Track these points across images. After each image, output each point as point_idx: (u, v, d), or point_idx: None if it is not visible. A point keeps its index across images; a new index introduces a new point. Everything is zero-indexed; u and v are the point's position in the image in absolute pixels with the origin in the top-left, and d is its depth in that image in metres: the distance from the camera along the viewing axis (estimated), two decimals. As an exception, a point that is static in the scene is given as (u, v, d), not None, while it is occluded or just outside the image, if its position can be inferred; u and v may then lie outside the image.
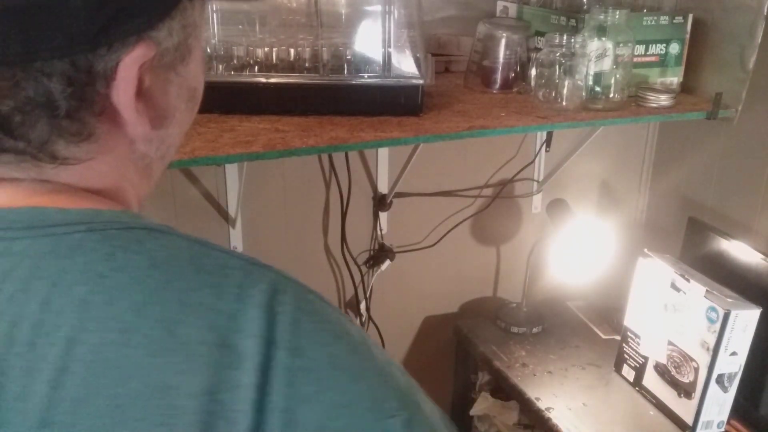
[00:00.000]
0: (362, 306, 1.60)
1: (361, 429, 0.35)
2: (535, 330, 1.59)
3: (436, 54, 1.38)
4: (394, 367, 0.40)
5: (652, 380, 1.36)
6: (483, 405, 1.56)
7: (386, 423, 0.35)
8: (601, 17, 1.17)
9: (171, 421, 0.31)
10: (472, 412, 1.58)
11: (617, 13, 1.17)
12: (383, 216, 1.55)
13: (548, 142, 1.64)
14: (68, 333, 0.32)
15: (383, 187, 1.53)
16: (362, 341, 0.39)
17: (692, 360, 1.25)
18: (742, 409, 1.30)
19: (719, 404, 1.25)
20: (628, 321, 1.42)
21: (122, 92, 0.38)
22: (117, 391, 0.31)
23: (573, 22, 1.23)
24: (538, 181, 1.71)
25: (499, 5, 1.42)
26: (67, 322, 0.32)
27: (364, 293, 1.60)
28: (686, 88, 1.35)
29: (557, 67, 1.16)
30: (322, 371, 0.35)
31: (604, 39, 1.17)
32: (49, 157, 0.37)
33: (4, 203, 0.37)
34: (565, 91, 1.16)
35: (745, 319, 1.19)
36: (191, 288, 0.34)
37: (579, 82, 1.17)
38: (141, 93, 0.39)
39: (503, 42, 1.26)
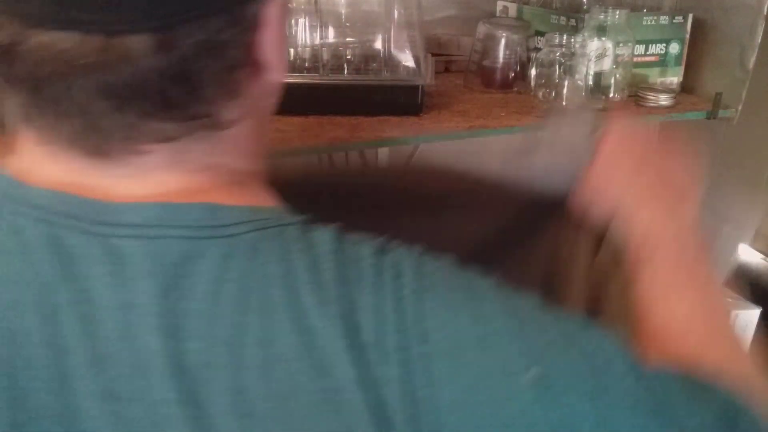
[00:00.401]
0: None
1: (498, 397, 0.34)
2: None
3: (436, 54, 1.38)
4: (525, 316, 0.37)
5: (652, 380, 1.36)
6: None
7: (519, 385, 0.34)
8: (601, 17, 1.17)
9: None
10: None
11: (617, 13, 1.17)
12: (383, 216, 1.55)
13: (548, 142, 1.64)
14: (260, 335, 0.33)
15: (383, 187, 1.53)
16: (484, 298, 0.37)
17: (692, 360, 1.25)
18: (742, 409, 1.30)
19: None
20: (628, 321, 1.41)
21: (269, 34, 0.37)
22: (318, 385, 0.33)
23: (573, 22, 1.23)
24: (538, 181, 1.70)
25: (499, 5, 1.42)
26: (258, 323, 0.33)
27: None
28: (686, 88, 1.35)
29: (557, 67, 1.16)
30: (450, 352, 0.34)
31: (604, 39, 1.17)
32: (210, 121, 0.36)
33: (173, 195, 0.36)
34: (565, 91, 1.16)
35: (745, 319, 1.19)
36: (357, 288, 0.35)
37: (579, 82, 1.17)
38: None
39: (503, 42, 1.26)
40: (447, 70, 1.43)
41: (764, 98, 1.40)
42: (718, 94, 1.27)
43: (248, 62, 0.37)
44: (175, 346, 0.33)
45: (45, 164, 0.36)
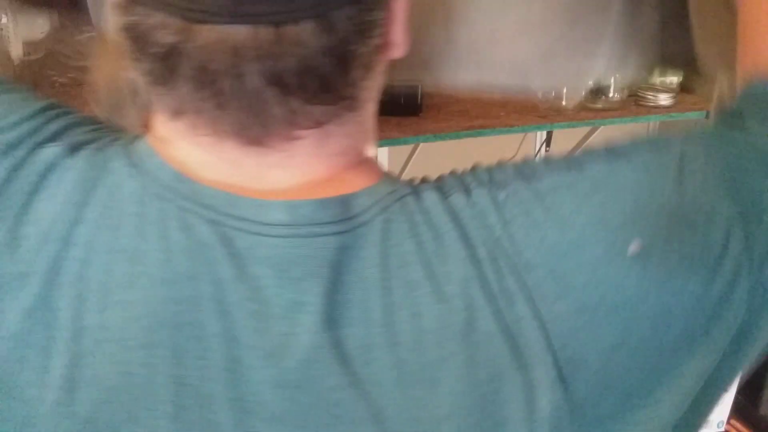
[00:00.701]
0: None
1: (608, 284, 0.35)
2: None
3: (436, 54, 1.38)
4: (600, 197, 0.37)
5: (652, 380, 1.36)
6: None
7: (624, 266, 0.35)
8: (601, 17, 1.17)
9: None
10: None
11: (617, 12, 1.17)
12: (383, 216, 1.55)
13: (548, 141, 1.64)
14: (408, 312, 0.35)
15: (383, 187, 1.53)
16: (558, 202, 0.37)
17: (692, 360, 1.25)
18: (742, 409, 1.30)
19: (719, 404, 1.25)
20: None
21: (401, 13, 0.39)
22: (464, 345, 0.35)
23: (573, 21, 1.23)
24: (538, 181, 1.70)
25: (499, 5, 1.42)
26: (404, 301, 0.36)
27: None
28: (686, 87, 1.35)
29: (557, 66, 1.16)
30: (553, 271, 0.36)
31: (603, 39, 1.17)
32: (355, 102, 0.38)
33: (315, 184, 0.38)
34: (564, 90, 1.16)
35: (745, 318, 1.19)
36: (472, 241, 0.37)
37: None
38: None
39: (503, 42, 1.26)
40: (447, 69, 1.43)
41: (764, 98, 1.40)
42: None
43: (385, 42, 0.39)
44: (336, 335, 0.35)
45: (200, 156, 0.38)
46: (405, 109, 1.08)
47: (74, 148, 0.38)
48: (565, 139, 1.67)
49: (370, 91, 0.39)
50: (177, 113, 0.37)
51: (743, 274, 0.37)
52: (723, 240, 0.37)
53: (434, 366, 0.35)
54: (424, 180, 0.41)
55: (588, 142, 1.63)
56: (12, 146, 0.37)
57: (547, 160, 0.40)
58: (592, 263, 0.36)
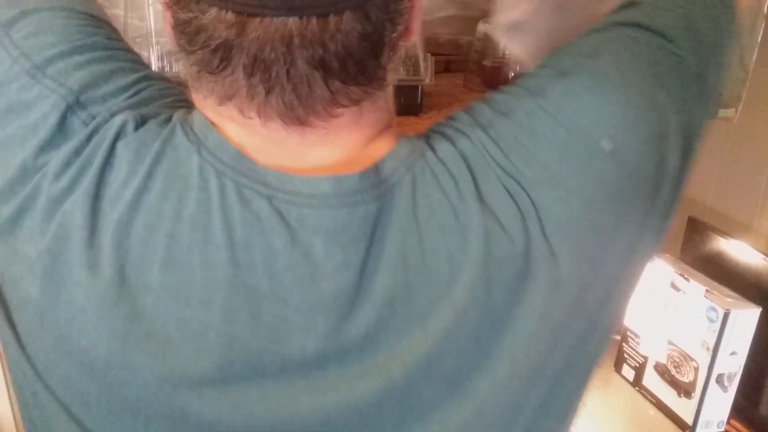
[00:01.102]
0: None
1: (586, 170, 0.43)
2: (535, 330, 1.59)
3: (436, 54, 1.38)
4: (571, 102, 0.45)
5: (651, 380, 1.36)
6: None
7: (600, 155, 0.43)
8: (601, 17, 1.17)
9: None
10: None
11: (617, 12, 1.17)
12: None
13: (548, 141, 1.64)
14: (447, 251, 0.42)
15: (383, 187, 1.53)
16: (531, 113, 0.45)
17: (692, 359, 1.25)
18: (742, 409, 1.30)
19: (719, 404, 1.25)
20: (628, 320, 1.42)
21: (418, 2, 0.44)
22: (506, 252, 0.42)
23: (573, 21, 1.23)
24: (538, 181, 1.70)
25: (499, 5, 1.42)
26: (439, 244, 0.42)
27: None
28: (686, 87, 1.35)
29: (557, 66, 1.16)
30: (546, 177, 0.43)
31: (603, 39, 1.17)
32: (382, 81, 0.43)
33: (353, 157, 0.43)
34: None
35: (745, 318, 1.19)
36: (482, 180, 0.44)
37: (579, 82, 1.17)
38: None
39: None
40: (447, 69, 1.43)
41: (764, 98, 1.40)
42: (718, 94, 1.27)
43: (406, 28, 0.44)
44: (372, 283, 0.41)
45: (247, 138, 0.42)
46: (405, 109, 1.08)
47: (142, 120, 0.42)
48: (565, 139, 1.67)
49: (393, 71, 0.44)
50: (226, 98, 0.41)
51: (671, 134, 0.46)
52: (664, 117, 0.45)
53: (454, 296, 0.41)
54: (430, 132, 0.46)
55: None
56: (93, 117, 0.41)
57: (511, 94, 0.47)
58: (580, 164, 0.43)
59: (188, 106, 0.45)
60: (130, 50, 0.48)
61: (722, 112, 1.29)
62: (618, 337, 1.48)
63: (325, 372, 0.41)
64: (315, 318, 0.41)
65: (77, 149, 0.40)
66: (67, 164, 0.40)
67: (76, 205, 0.39)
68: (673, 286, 1.29)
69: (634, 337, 1.40)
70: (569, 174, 0.43)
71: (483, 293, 0.41)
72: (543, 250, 0.42)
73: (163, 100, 0.45)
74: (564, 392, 0.48)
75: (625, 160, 0.43)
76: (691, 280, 1.26)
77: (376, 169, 0.43)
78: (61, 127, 0.40)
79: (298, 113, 0.41)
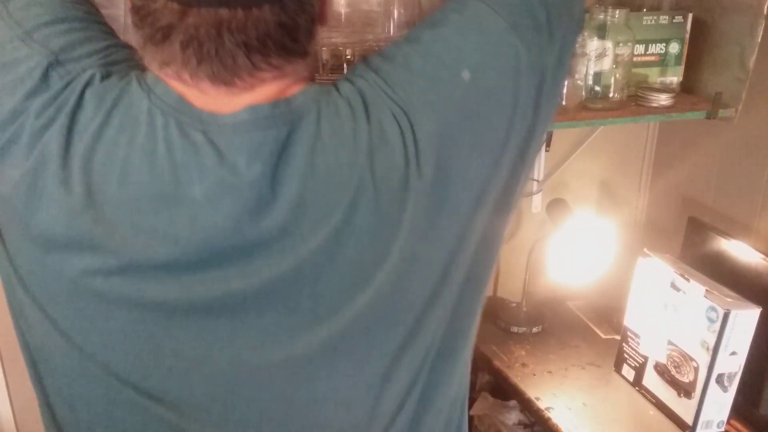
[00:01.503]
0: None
1: (449, 92, 0.55)
2: (535, 330, 1.59)
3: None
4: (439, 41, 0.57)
5: (651, 380, 1.36)
6: (483, 405, 1.56)
7: (461, 83, 0.55)
8: (601, 17, 1.17)
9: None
10: (471, 412, 1.58)
11: (617, 12, 1.17)
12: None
13: (548, 141, 1.64)
14: (341, 161, 0.53)
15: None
16: (407, 55, 0.57)
17: (692, 360, 1.25)
18: (742, 409, 1.30)
19: (719, 404, 1.25)
20: (628, 321, 1.42)
21: None
22: (402, 165, 0.54)
23: (573, 21, 1.23)
24: (538, 181, 1.71)
25: (499, 5, 1.42)
26: (337, 156, 0.53)
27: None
28: (686, 87, 1.35)
29: (557, 66, 1.16)
30: (422, 97, 0.55)
31: (603, 39, 1.17)
32: (304, 54, 0.55)
33: (285, 93, 0.54)
34: (564, 90, 1.16)
35: (745, 318, 1.19)
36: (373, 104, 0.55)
37: (579, 82, 1.17)
38: None
39: (503, 42, 1.26)
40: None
41: (764, 98, 1.40)
42: (718, 94, 1.27)
43: (321, 14, 0.55)
44: (282, 190, 0.51)
45: (184, 89, 0.53)
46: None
47: (107, 75, 0.53)
48: (565, 139, 1.67)
49: (312, 45, 0.56)
50: (165, 64, 0.52)
51: (523, 70, 0.56)
52: (515, 54, 0.55)
53: (352, 198, 0.52)
54: (336, 80, 0.57)
55: (588, 142, 1.64)
56: (68, 72, 0.52)
57: (395, 45, 0.58)
58: (446, 90, 0.54)
59: (145, 68, 0.55)
60: (104, 24, 0.60)
61: (722, 112, 1.29)
62: (618, 338, 1.48)
63: (250, 259, 0.52)
64: (240, 218, 0.51)
65: (55, 96, 0.51)
66: (46, 107, 0.51)
67: (53, 138, 0.50)
68: (673, 286, 1.29)
69: (634, 337, 1.40)
70: (436, 99, 0.54)
71: (374, 197, 0.52)
72: (417, 160, 0.53)
73: (126, 63, 0.56)
74: (451, 288, 0.58)
75: (482, 88, 0.54)
76: (691, 280, 1.26)
77: (287, 102, 0.53)
78: (44, 79, 0.51)
79: (224, 77, 0.52)
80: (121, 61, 0.56)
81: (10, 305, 0.60)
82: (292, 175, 0.51)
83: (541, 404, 1.34)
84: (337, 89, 0.55)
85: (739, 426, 1.30)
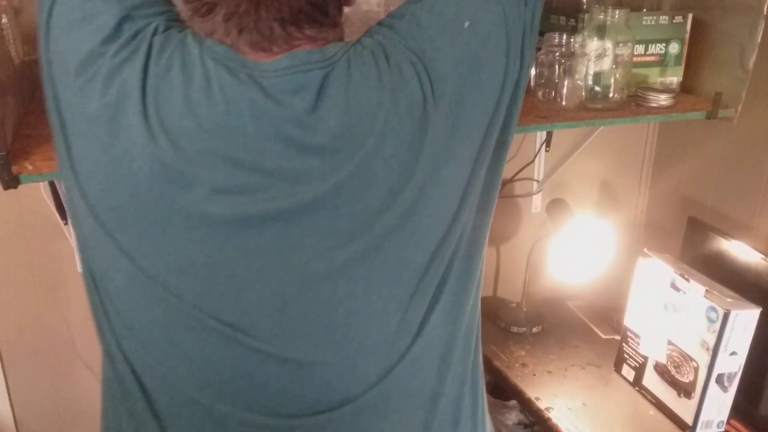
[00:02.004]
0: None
1: (456, 41, 0.65)
2: (534, 330, 1.59)
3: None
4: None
5: (651, 380, 1.36)
6: (483, 405, 1.56)
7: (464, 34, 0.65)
8: (601, 17, 1.17)
9: None
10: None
11: (617, 12, 1.17)
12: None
13: (548, 141, 1.64)
14: (374, 99, 0.62)
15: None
16: (415, 13, 0.66)
17: (692, 360, 1.25)
18: (742, 409, 1.30)
19: (719, 404, 1.25)
20: (628, 321, 1.42)
21: None
22: (414, 98, 0.63)
23: (573, 22, 1.23)
24: (538, 181, 1.71)
25: (499, 5, 1.42)
26: (368, 94, 0.62)
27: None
28: (686, 87, 1.35)
29: (557, 66, 1.16)
30: (433, 46, 0.64)
31: (604, 39, 1.17)
32: (334, 25, 0.64)
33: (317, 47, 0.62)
34: (564, 90, 1.16)
35: (745, 318, 1.19)
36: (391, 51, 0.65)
37: (579, 82, 1.17)
38: None
39: (503, 42, 1.26)
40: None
41: (764, 98, 1.40)
42: (718, 94, 1.27)
43: None
44: (322, 123, 0.60)
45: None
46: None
47: (168, 28, 0.62)
48: (565, 139, 1.67)
49: (341, 18, 0.65)
50: (209, 34, 0.61)
51: (509, 20, 0.65)
52: (501, 10, 0.65)
53: (382, 130, 0.61)
54: (358, 38, 0.65)
55: (588, 142, 1.64)
56: (137, 25, 0.61)
57: (403, 6, 0.66)
58: (452, 37, 0.63)
59: (177, 26, 0.64)
60: None
61: (722, 112, 1.29)
62: (618, 338, 1.48)
63: (296, 182, 0.59)
64: (287, 146, 0.59)
65: (127, 42, 0.60)
66: (121, 49, 0.59)
67: (132, 75, 0.59)
68: (673, 286, 1.30)
69: (634, 337, 1.40)
70: (444, 45, 0.63)
71: (399, 128, 0.60)
72: (432, 95, 0.62)
73: (182, 23, 0.64)
74: (469, 208, 0.67)
75: (480, 34, 0.64)
76: (691, 280, 1.26)
77: (321, 50, 0.61)
78: (117, 29, 0.60)
79: (263, 45, 0.61)
80: (178, 21, 0.65)
81: (77, 238, 0.67)
82: (330, 111, 0.59)
83: (541, 404, 1.34)
84: (360, 43, 0.64)
85: (739, 426, 1.30)
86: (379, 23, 0.67)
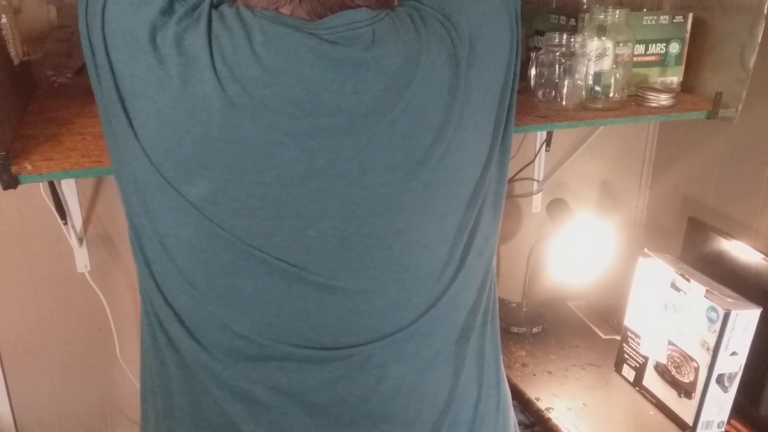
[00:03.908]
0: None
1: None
2: (535, 330, 1.59)
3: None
4: None
5: (652, 380, 1.36)
6: (483, 405, 1.56)
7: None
8: (601, 17, 1.17)
9: None
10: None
11: (617, 12, 1.17)
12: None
13: (548, 141, 1.64)
14: (412, 49, 0.68)
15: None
16: None
17: (692, 360, 1.25)
18: (742, 409, 1.30)
19: (719, 404, 1.25)
20: (628, 321, 1.42)
21: None
22: (449, 72, 0.69)
23: (573, 21, 1.23)
24: (538, 181, 1.71)
25: (499, 5, 1.42)
26: (409, 44, 0.67)
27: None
28: (686, 87, 1.35)
29: (557, 66, 1.16)
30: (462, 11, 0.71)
31: (604, 38, 1.17)
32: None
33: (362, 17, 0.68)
34: (564, 90, 1.16)
35: (745, 319, 1.19)
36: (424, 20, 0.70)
37: (579, 82, 1.17)
38: None
39: (503, 42, 1.26)
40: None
41: (764, 98, 1.40)
42: (718, 94, 1.27)
43: None
44: (376, 63, 0.65)
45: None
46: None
47: (220, 3, 0.67)
48: (565, 139, 1.67)
49: None
50: (272, 4, 0.67)
51: (509, 3, 0.74)
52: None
53: (425, 72, 0.67)
54: (396, 7, 0.72)
55: (588, 142, 1.64)
56: (187, 2, 0.66)
57: None
58: (471, 5, 0.70)
59: (226, 2, 0.69)
60: None
61: (722, 112, 1.29)
62: (618, 338, 1.48)
63: (353, 123, 0.65)
64: (345, 89, 0.64)
65: (186, 13, 0.65)
66: (183, 17, 0.64)
67: (198, 38, 0.63)
68: (674, 286, 1.29)
69: (634, 337, 1.40)
70: (466, 10, 0.70)
71: (439, 71, 0.67)
72: (461, 47, 0.69)
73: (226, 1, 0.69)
74: (498, 151, 0.75)
75: (492, 3, 0.72)
76: (691, 280, 1.26)
77: (366, 9, 0.67)
78: (170, 5, 0.65)
79: (319, 12, 0.67)
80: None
81: (140, 206, 0.69)
82: (382, 53, 0.65)
83: (541, 404, 1.34)
84: (395, 10, 0.71)
85: (739, 426, 1.30)
86: None
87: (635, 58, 1.25)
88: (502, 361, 0.85)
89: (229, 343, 0.69)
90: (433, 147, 0.67)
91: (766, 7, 1.20)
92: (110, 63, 0.66)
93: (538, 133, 1.62)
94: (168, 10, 0.66)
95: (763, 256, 1.31)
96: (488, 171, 0.74)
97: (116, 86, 0.67)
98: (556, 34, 1.17)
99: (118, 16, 0.66)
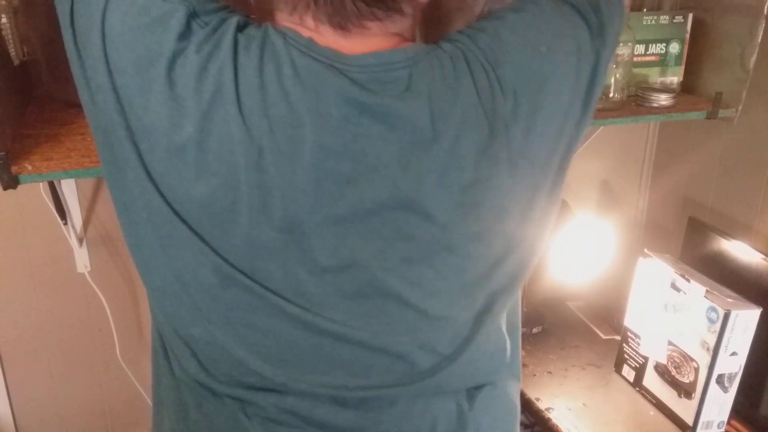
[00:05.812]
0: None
1: (533, 62, 0.68)
2: (535, 330, 1.59)
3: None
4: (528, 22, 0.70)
5: (652, 380, 1.36)
6: (483, 405, 1.56)
7: (541, 54, 0.68)
8: (601, 17, 1.17)
9: None
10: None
11: (617, 12, 1.17)
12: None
13: (548, 142, 1.64)
14: (449, 97, 0.65)
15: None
16: (496, 28, 0.69)
17: (692, 360, 1.25)
18: (742, 409, 1.30)
19: (719, 404, 1.25)
20: (628, 321, 1.42)
21: None
22: (488, 105, 0.67)
23: (573, 21, 1.23)
24: (538, 181, 1.70)
25: (499, 5, 1.42)
26: (447, 90, 0.65)
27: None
28: (686, 87, 1.35)
29: (557, 66, 1.16)
30: (509, 61, 0.67)
31: (604, 39, 1.17)
32: (400, 11, 0.66)
33: (390, 47, 0.66)
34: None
35: (746, 319, 1.19)
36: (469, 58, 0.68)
37: (579, 82, 1.17)
38: None
39: (503, 42, 1.26)
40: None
41: (764, 98, 1.40)
42: (718, 94, 1.27)
43: None
44: (411, 112, 0.63)
45: (313, 35, 0.64)
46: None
47: (246, 24, 0.65)
48: (565, 139, 1.67)
49: (413, 9, 0.67)
50: (293, 8, 0.65)
51: (584, 49, 0.70)
52: (579, 36, 0.70)
53: (461, 115, 0.64)
54: (438, 42, 0.69)
55: (588, 142, 1.63)
56: (206, 23, 0.63)
57: (486, 20, 0.71)
58: (527, 57, 0.67)
59: (252, 23, 0.67)
60: None
61: (722, 112, 1.29)
62: (618, 338, 1.48)
63: (377, 169, 0.63)
64: (369, 129, 0.62)
65: (207, 37, 0.61)
66: (202, 44, 0.61)
67: (224, 69, 0.61)
68: (674, 286, 1.29)
69: (634, 337, 1.40)
70: (520, 61, 0.67)
71: (476, 115, 0.65)
72: (502, 97, 0.66)
73: (242, 17, 0.66)
74: (543, 202, 0.72)
75: (554, 60, 0.68)
76: (691, 280, 1.26)
77: (404, 50, 0.65)
78: (188, 26, 0.61)
79: (338, 20, 0.64)
80: (236, 15, 0.67)
81: (156, 240, 0.67)
82: (415, 102, 0.63)
83: (541, 404, 1.34)
84: (440, 48, 0.68)
85: (739, 426, 1.30)
86: (460, 32, 0.71)
87: (635, 58, 1.25)
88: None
89: (242, 379, 0.70)
90: (453, 210, 0.66)
91: (766, 7, 1.20)
92: (114, 88, 0.61)
93: (538, 133, 1.62)
94: (185, 33, 0.61)
95: (763, 256, 1.31)
96: (521, 244, 0.72)
97: (122, 114, 0.61)
98: (556, 34, 1.17)
99: (126, 35, 0.61)
